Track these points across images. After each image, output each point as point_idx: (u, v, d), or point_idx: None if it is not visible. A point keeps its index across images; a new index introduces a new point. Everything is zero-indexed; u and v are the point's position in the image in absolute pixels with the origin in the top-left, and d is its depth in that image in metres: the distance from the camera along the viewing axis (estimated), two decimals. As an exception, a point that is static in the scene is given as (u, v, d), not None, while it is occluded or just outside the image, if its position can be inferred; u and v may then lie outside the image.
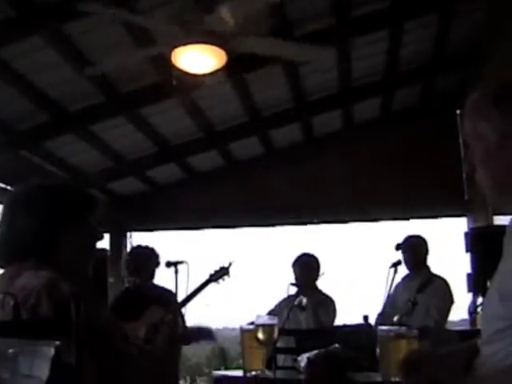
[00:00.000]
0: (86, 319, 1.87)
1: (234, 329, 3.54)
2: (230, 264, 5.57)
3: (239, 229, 9.79)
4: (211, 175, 9.27)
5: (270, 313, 5.96)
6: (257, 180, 9.01)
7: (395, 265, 5.38)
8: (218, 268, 5.56)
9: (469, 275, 5.55)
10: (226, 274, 5.48)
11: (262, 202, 8.87)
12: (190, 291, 5.45)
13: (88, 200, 2.48)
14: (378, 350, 3.20)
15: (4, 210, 2.36)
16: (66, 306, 1.91)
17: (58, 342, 0.85)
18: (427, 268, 6.12)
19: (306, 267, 6.19)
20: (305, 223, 9.31)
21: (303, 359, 3.33)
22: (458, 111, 8.24)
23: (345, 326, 5.11)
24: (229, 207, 8.95)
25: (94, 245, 2.48)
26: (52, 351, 0.76)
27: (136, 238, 9.50)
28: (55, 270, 2.19)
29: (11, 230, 2.30)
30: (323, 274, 6.02)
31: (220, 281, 5.58)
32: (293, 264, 6.23)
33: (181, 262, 5.90)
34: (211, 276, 5.51)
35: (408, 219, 8.92)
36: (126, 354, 2.09)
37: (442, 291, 5.89)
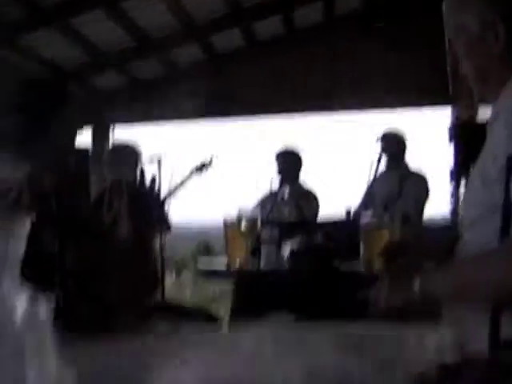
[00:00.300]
0: (69, 210, 1.87)
1: (219, 224, 3.55)
2: (212, 158, 5.56)
3: (222, 121, 9.76)
4: (192, 69, 9.14)
5: (258, 202, 6.04)
6: (238, 73, 8.89)
7: (378, 157, 5.41)
8: (199, 162, 5.56)
9: (452, 166, 5.58)
10: (210, 165, 5.49)
11: (244, 95, 8.80)
12: (172, 186, 5.47)
13: (65, 92, 2.45)
14: (360, 241, 3.24)
15: None
16: (46, 199, 1.91)
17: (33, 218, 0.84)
18: (405, 161, 6.14)
19: (289, 160, 6.18)
20: (287, 115, 9.28)
21: (286, 250, 3.37)
22: (443, 2, 8.09)
23: (328, 219, 5.16)
24: (210, 100, 8.87)
25: (74, 136, 2.46)
26: (27, 227, 0.74)
27: (118, 134, 9.46)
28: (36, 162, 2.18)
29: None
30: (304, 162, 6.01)
31: (202, 175, 5.59)
32: (276, 157, 6.22)
33: (164, 157, 5.92)
34: (193, 170, 5.51)
35: (392, 108, 8.87)
36: (108, 244, 2.10)
37: (419, 185, 5.93)
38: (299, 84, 8.76)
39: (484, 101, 1.89)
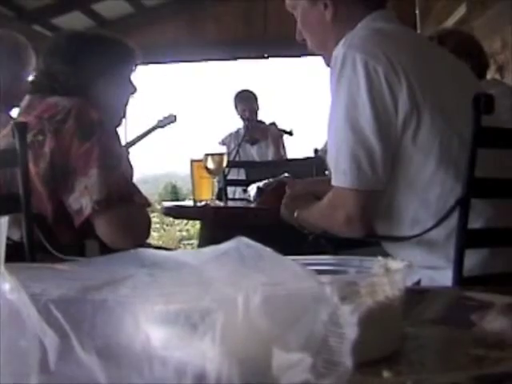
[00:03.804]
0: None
1: (186, 169, 3.58)
2: (175, 115, 5.49)
3: (189, 63, 9.71)
4: (160, 9, 9.00)
5: (223, 142, 6.08)
6: (208, 14, 8.78)
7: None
8: (166, 115, 5.50)
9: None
10: (173, 122, 5.44)
11: (213, 37, 8.67)
12: (134, 136, 5.43)
13: (129, 52, 2.45)
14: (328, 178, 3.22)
15: (41, 57, 2.32)
16: (90, 129, 2.04)
17: None
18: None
19: (249, 102, 6.16)
20: (255, 57, 9.22)
21: (253, 189, 3.35)
22: None
23: (295, 159, 5.16)
24: (178, 42, 8.75)
25: (128, 99, 2.47)
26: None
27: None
28: None
29: (48, 71, 2.24)
30: (270, 103, 5.99)
31: (166, 127, 5.54)
32: (235, 100, 6.19)
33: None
34: (159, 122, 5.46)
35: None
36: None
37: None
38: (269, 26, 8.65)
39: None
